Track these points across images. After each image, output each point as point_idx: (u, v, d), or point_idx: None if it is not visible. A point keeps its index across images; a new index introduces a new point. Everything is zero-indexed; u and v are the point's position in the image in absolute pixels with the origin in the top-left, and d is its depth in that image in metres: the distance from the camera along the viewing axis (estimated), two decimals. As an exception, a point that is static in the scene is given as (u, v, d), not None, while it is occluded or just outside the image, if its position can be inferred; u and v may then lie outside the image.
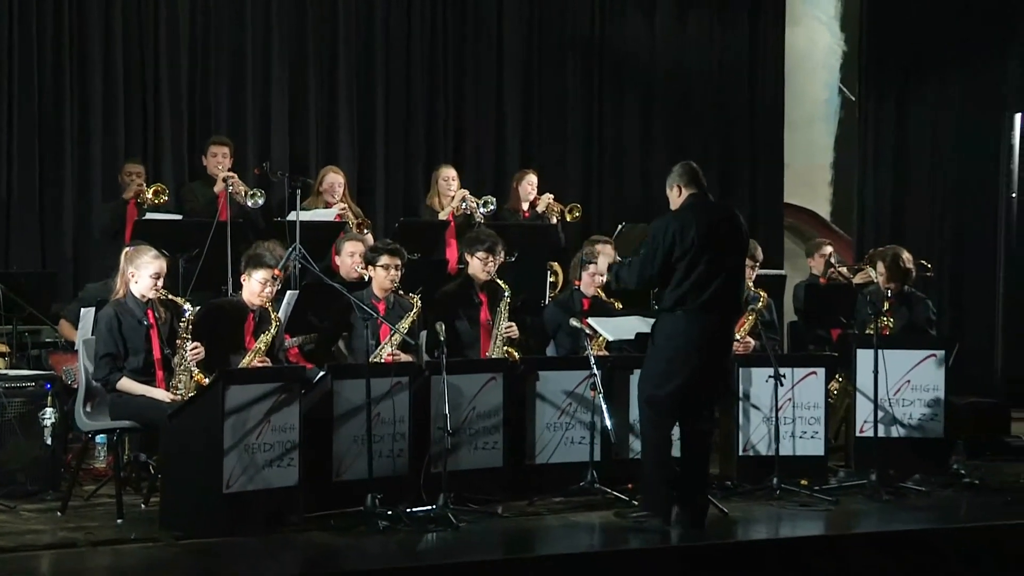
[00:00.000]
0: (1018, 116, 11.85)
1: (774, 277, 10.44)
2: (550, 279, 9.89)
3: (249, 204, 9.61)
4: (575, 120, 12.46)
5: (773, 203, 13.26)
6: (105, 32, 10.58)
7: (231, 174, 9.72)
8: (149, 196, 9.54)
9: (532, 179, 10.91)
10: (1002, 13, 12.76)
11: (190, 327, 7.46)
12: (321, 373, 7.67)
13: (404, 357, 8.19)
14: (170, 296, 7.55)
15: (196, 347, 7.46)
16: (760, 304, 9.18)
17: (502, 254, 8.91)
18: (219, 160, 9.97)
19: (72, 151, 10.44)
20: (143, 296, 7.49)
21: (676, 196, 7.39)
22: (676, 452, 7.39)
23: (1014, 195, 11.84)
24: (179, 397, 7.32)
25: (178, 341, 7.49)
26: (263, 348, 7.72)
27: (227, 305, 8.03)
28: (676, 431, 7.37)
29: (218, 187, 9.70)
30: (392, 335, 8.18)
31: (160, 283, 7.49)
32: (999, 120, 12.22)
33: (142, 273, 7.48)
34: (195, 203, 9.90)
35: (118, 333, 7.40)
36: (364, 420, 7.33)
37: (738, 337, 8.97)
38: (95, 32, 10.54)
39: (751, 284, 9.23)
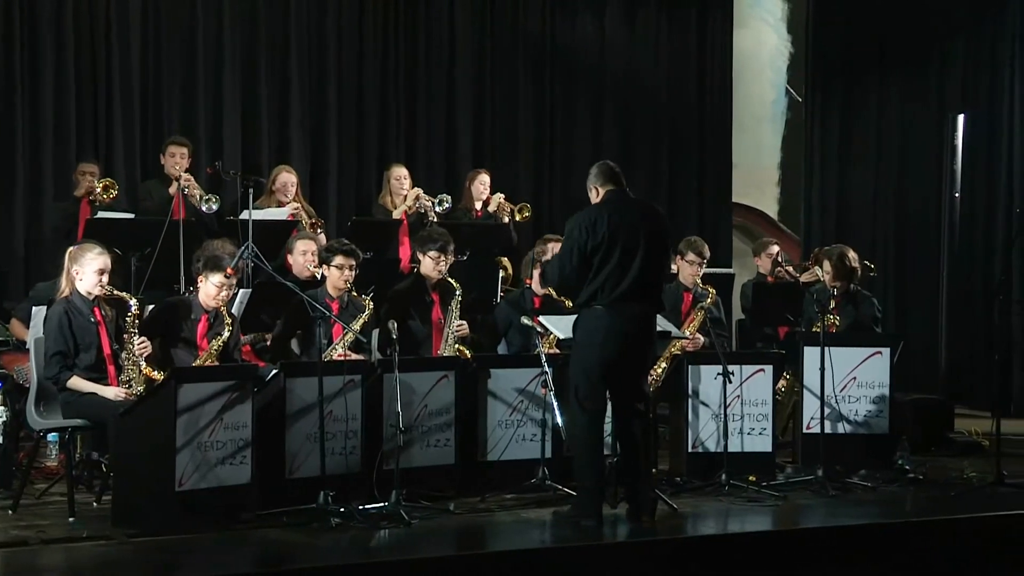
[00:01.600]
0: (961, 117, 11.94)
1: (722, 276, 10.46)
2: (500, 274, 9.90)
3: (203, 208, 9.56)
4: (526, 120, 12.48)
5: (722, 202, 13.33)
6: (56, 31, 10.50)
7: (186, 175, 9.67)
8: (98, 190, 9.48)
9: (485, 179, 10.92)
10: (945, 14, 12.85)
11: (136, 322, 7.43)
12: (274, 371, 7.64)
13: (356, 357, 8.17)
14: (115, 292, 7.50)
15: (143, 342, 7.45)
16: (708, 301, 9.23)
17: (453, 253, 8.91)
18: (177, 160, 9.90)
19: (23, 151, 10.36)
20: (89, 293, 7.45)
21: (595, 197, 7.40)
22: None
23: (957, 194, 11.94)
24: (129, 393, 7.27)
25: (125, 336, 7.45)
26: (216, 351, 7.69)
27: (180, 304, 7.99)
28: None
29: (173, 188, 9.65)
30: (344, 335, 8.16)
31: (105, 279, 7.44)
32: (942, 121, 12.33)
33: (86, 270, 7.43)
34: (150, 202, 9.84)
35: (68, 331, 7.35)
36: (317, 418, 7.31)
37: (687, 334, 9.02)
38: (46, 31, 10.46)
39: (699, 281, 9.28)
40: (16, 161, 10.32)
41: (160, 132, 10.66)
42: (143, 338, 7.46)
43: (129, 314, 7.43)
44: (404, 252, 10.11)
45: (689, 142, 13.19)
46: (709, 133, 13.27)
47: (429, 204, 10.30)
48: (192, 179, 9.68)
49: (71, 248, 7.62)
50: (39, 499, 7.61)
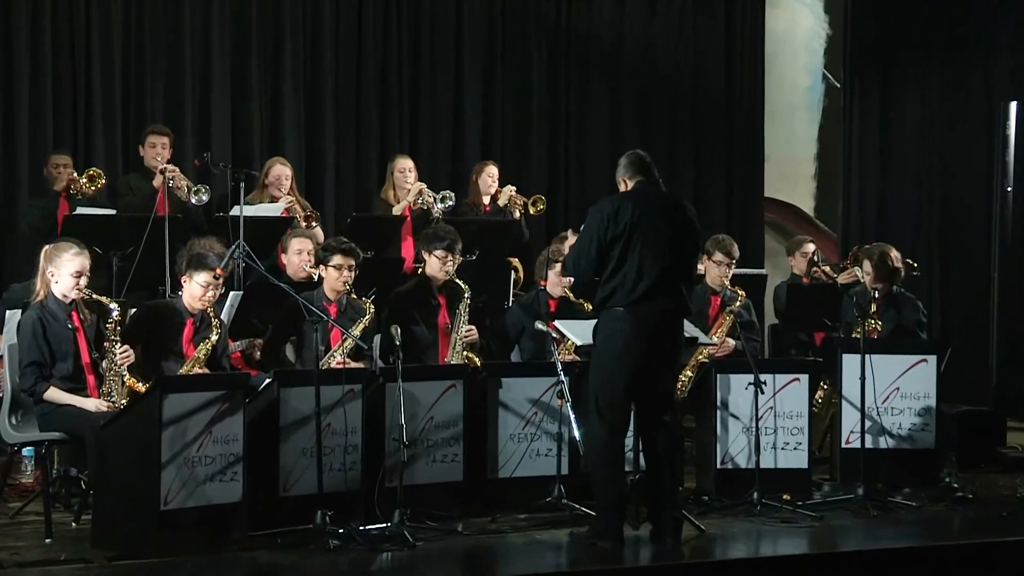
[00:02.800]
0: (1013, 104, 11.92)
1: (754, 277, 10.47)
2: (512, 275, 9.92)
3: (192, 201, 9.58)
4: (539, 109, 12.47)
5: (752, 198, 13.31)
6: (31, 15, 10.50)
7: (171, 167, 9.67)
8: (83, 182, 9.48)
9: (493, 171, 10.93)
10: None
11: (117, 328, 7.45)
12: (267, 380, 7.65)
13: (356, 365, 8.18)
14: (94, 296, 7.51)
15: (126, 350, 7.46)
16: (738, 303, 9.22)
17: (461, 252, 8.92)
18: (158, 151, 9.93)
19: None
20: (65, 297, 7.45)
21: (625, 190, 7.43)
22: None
23: (1009, 188, 11.91)
24: (111, 405, 7.29)
25: (106, 344, 7.46)
26: (203, 357, 7.72)
27: (164, 308, 8.02)
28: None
29: (157, 181, 9.66)
30: (344, 340, 8.18)
31: (82, 282, 7.45)
32: (993, 108, 12.30)
33: (62, 272, 7.44)
34: (131, 197, 9.85)
35: (43, 339, 7.36)
36: (313, 431, 7.32)
37: (715, 340, 9.02)
38: (20, 16, 10.46)
39: (728, 283, 9.28)
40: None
41: (143, 122, 10.64)
42: (126, 346, 7.46)
43: (110, 320, 7.44)
44: (408, 251, 10.12)
45: (717, 133, 13.17)
46: (738, 123, 13.25)
47: (432, 200, 10.32)
48: (177, 170, 9.68)
49: (46, 247, 7.62)
50: (13, 519, 7.63)
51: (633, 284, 7.14)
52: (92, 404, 7.30)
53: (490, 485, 8.15)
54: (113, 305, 7.46)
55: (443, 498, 7.90)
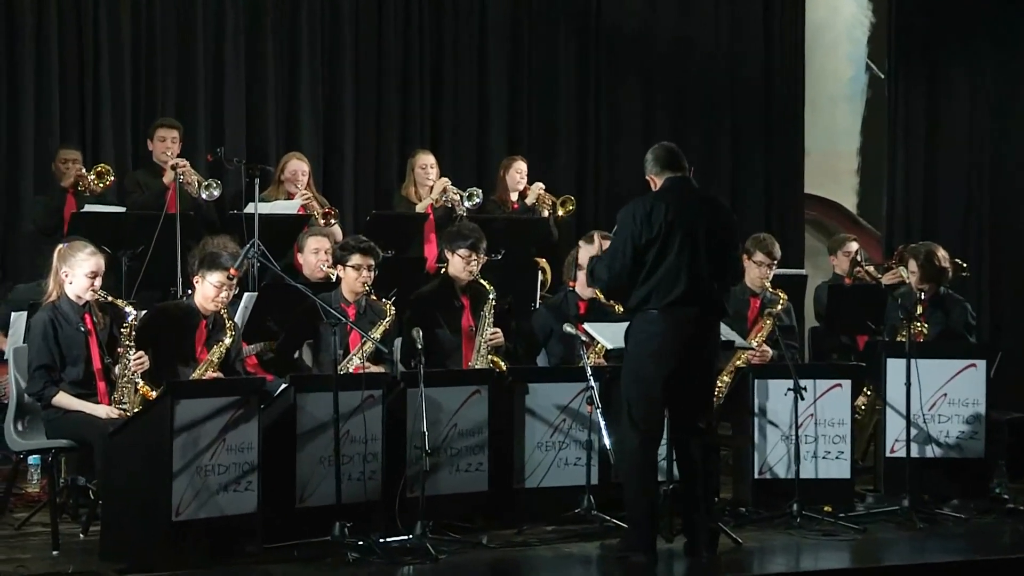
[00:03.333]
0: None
1: (794, 277, 10.44)
2: (539, 279, 9.91)
3: (203, 196, 9.61)
4: (568, 102, 12.46)
5: (792, 195, 13.28)
6: (37, 2, 10.53)
7: (181, 161, 9.70)
8: (92, 179, 9.52)
9: (521, 167, 10.94)
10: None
11: (133, 333, 7.45)
12: (283, 385, 7.67)
13: (376, 369, 8.19)
14: (110, 298, 7.53)
15: (140, 356, 7.47)
16: (779, 307, 9.20)
17: (486, 251, 8.92)
18: (167, 145, 9.96)
19: (0, 135, 10.40)
20: (79, 298, 7.48)
21: (654, 187, 7.42)
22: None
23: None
24: (123, 413, 7.31)
25: (120, 349, 7.48)
26: (217, 360, 7.74)
27: (175, 310, 8.04)
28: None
29: (167, 177, 9.68)
30: (363, 344, 8.19)
31: (97, 283, 7.48)
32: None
33: (77, 272, 7.46)
34: (140, 194, 9.89)
35: (53, 341, 7.39)
36: (331, 438, 7.32)
37: (753, 344, 9.00)
38: (25, 1, 10.48)
39: (768, 284, 9.26)
40: (-10, 150, 10.36)
41: (153, 115, 10.64)
42: (140, 352, 7.47)
43: (125, 324, 7.46)
44: (430, 250, 10.14)
45: (754, 126, 13.14)
46: (777, 115, 13.22)
47: (456, 198, 10.32)
48: (188, 164, 9.70)
49: (60, 246, 7.64)
50: (19, 530, 7.65)
51: (669, 287, 7.13)
52: (102, 411, 7.33)
53: (516, 495, 8.15)
54: (128, 308, 7.48)
55: (467, 509, 7.91)
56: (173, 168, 9.60)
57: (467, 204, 10.28)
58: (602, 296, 8.80)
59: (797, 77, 13.34)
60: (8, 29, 10.46)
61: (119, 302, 7.54)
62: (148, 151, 10.16)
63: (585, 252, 8.40)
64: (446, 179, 10.50)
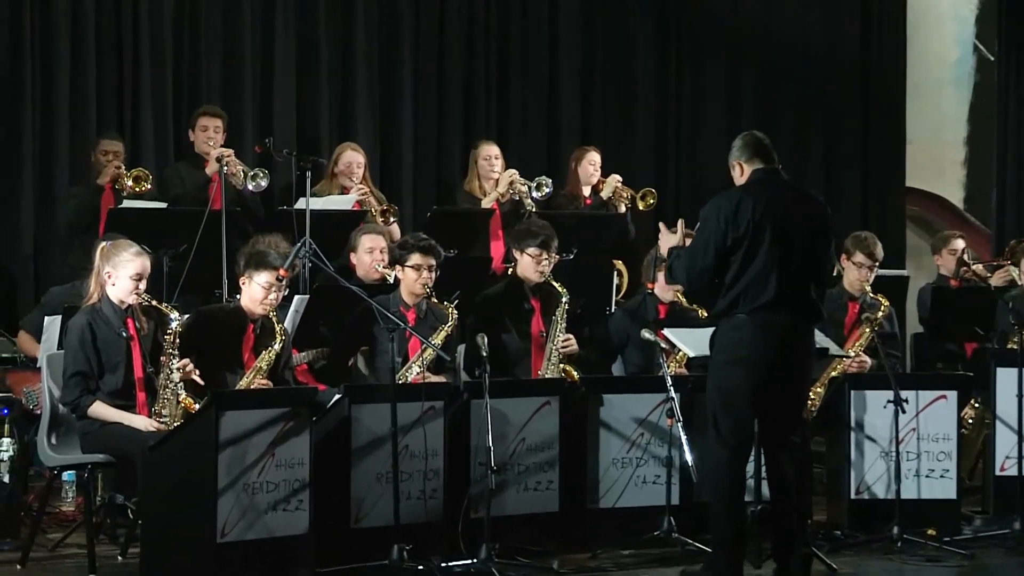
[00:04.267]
0: None
1: (894, 279, 10.41)
2: (615, 281, 9.90)
3: (250, 187, 9.65)
4: (645, 88, 12.45)
5: (892, 188, 13.24)
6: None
7: (226, 151, 9.73)
8: (128, 183, 9.56)
9: (595, 158, 10.93)
10: None
11: (177, 340, 7.48)
12: (336, 396, 7.69)
13: (437, 378, 8.20)
14: (154, 303, 7.55)
15: (185, 363, 7.48)
16: (880, 314, 9.12)
17: (557, 250, 8.90)
18: (210, 135, 9.99)
19: (33, 126, 10.45)
20: (122, 302, 7.50)
21: (739, 177, 7.37)
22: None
23: None
24: (164, 426, 7.35)
25: (163, 358, 7.50)
26: (265, 368, 7.75)
27: (221, 314, 8.08)
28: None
29: (210, 168, 9.73)
30: (423, 350, 8.19)
31: (142, 286, 7.49)
32: None
33: (121, 273, 7.48)
34: (181, 188, 9.92)
35: (91, 347, 7.40)
36: (388, 454, 7.34)
37: (851, 354, 8.95)
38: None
39: (868, 288, 9.20)
40: (23, 139, 10.36)
41: (197, 103, 10.70)
42: (185, 360, 7.49)
43: (169, 331, 7.48)
44: (496, 249, 10.14)
45: (851, 113, 13.11)
46: (876, 102, 13.19)
47: (525, 189, 10.32)
48: (232, 154, 9.72)
49: (103, 244, 7.63)
50: (53, 551, 7.72)
51: (758, 290, 7.09)
52: (142, 423, 7.35)
53: (590, 516, 8.16)
54: (174, 314, 7.48)
55: (536, 531, 7.92)
56: (218, 160, 9.63)
57: (536, 195, 10.28)
58: (684, 299, 8.77)
59: (898, 59, 13.31)
60: (42, 8, 10.52)
61: (163, 307, 7.54)
62: (190, 142, 10.20)
63: (666, 241, 8.26)
64: (513, 171, 10.49)
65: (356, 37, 11.45)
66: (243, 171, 9.68)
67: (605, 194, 10.81)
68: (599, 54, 12.30)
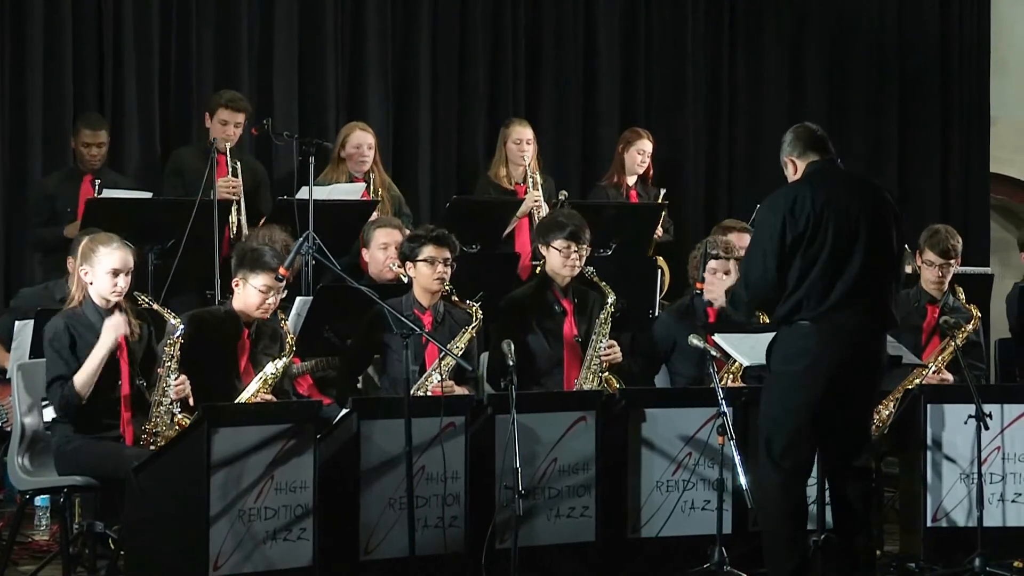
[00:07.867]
0: None
1: (977, 277, 10.37)
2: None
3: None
4: (696, 67, 12.47)
5: (976, 175, 13.23)
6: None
7: (234, 181, 9.77)
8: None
9: (646, 146, 10.97)
10: None
11: (177, 350, 7.46)
12: (343, 411, 7.70)
13: (459, 389, 8.21)
14: (155, 306, 7.51)
15: (181, 381, 7.48)
16: (970, 326, 9.08)
17: (591, 243, 8.87)
18: (228, 131, 9.94)
19: (2, 107, 10.51)
20: (106, 301, 7.45)
21: (793, 174, 7.40)
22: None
23: None
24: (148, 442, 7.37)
25: (160, 370, 7.50)
26: (271, 379, 7.72)
27: (212, 319, 8.03)
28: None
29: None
30: (442, 358, 8.18)
31: (121, 282, 7.42)
32: None
33: (97, 270, 7.45)
34: (180, 179, 9.94)
35: (70, 353, 7.35)
36: (403, 476, 7.33)
37: (930, 365, 8.93)
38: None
39: (950, 289, 9.16)
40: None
41: (187, 80, 10.75)
42: (182, 376, 7.50)
43: (170, 341, 7.47)
44: (524, 244, 10.15)
45: (928, 92, 13.13)
46: (956, 79, 13.20)
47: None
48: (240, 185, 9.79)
49: (84, 240, 7.61)
50: (24, 585, 7.76)
51: (823, 292, 7.11)
52: (111, 328, 7.31)
53: (631, 547, 8.16)
54: (175, 321, 7.47)
55: (570, 562, 7.93)
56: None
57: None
58: (765, 318, 8.75)
59: (981, 33, 13.31)
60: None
61: (164, 312, 7.51)
62: (182, 127, 10.24)
63: (720, 285, 8.48)
64: (538, 194, 10.41)
65: (367, 2, 11.45)
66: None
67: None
68: (642, 30, 12.30)
